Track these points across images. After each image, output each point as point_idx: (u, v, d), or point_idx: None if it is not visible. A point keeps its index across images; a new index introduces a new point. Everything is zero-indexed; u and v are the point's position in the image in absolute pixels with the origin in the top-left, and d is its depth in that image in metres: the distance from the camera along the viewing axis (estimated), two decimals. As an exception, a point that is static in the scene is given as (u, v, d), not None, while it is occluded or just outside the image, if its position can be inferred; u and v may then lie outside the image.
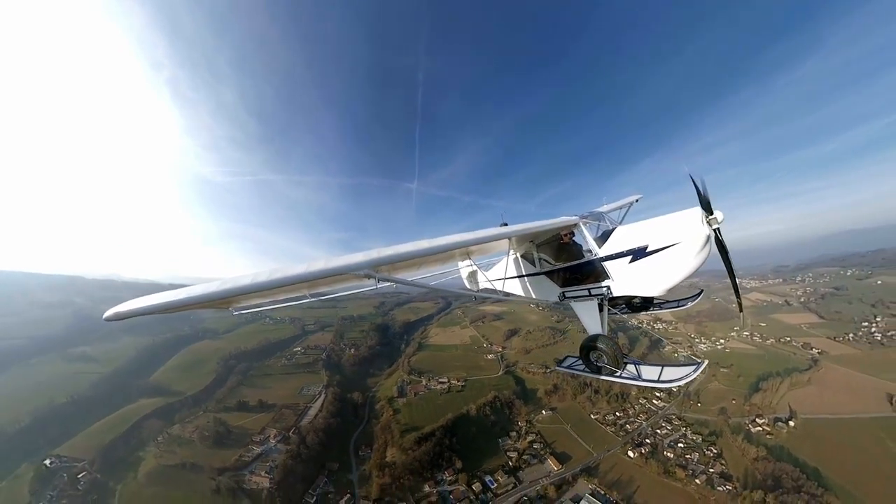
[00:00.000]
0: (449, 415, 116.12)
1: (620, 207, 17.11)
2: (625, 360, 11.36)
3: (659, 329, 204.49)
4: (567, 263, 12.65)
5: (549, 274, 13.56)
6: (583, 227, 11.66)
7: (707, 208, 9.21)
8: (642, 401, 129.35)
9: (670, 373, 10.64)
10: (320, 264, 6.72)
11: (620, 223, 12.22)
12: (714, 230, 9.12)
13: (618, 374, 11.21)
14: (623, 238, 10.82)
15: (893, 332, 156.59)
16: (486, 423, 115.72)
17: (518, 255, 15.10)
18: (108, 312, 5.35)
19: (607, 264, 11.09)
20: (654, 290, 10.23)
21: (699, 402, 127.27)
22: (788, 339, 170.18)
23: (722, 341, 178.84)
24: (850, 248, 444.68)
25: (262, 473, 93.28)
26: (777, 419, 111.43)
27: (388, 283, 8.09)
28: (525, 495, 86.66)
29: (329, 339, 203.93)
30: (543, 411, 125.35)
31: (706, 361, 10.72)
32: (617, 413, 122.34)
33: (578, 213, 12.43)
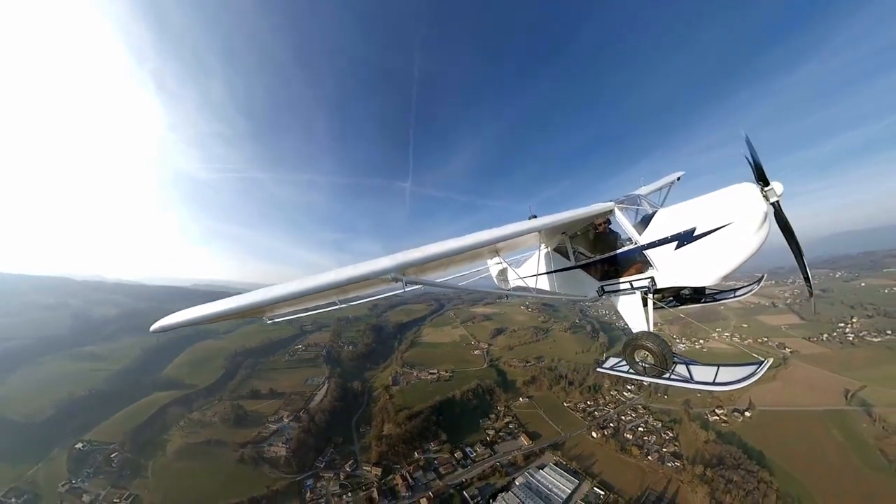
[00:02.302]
0: (437, 398, 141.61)
1: (660, 188, 16.50)
2: (674, 360, 10.78)
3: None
4: (604, 254, 12.37)
5: (585, 267, 13.32)
6: (619, 212, 11.41)
7: (763, 180, 8.89)
8: (613, 392, 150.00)
9: (727, 373, 9.85)
10: (348, 271, 7.09)
11: (661, 205, 11.95)
12: (773, 204, 8.77)
13: (666, 375, 10.64)
14: (666, 222, 10.51)
15: (865, 333, 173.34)
16: (468, 406, 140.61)
17: (550, 249, 14.97)
18: (155, 325, 6.12)
19: (650, 252, 10.77)
20: (705, 279, 9.92)
21: (665, 395, 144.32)
22: (766, 339, 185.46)
23: (701, 342, 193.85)
24: (847, 250, 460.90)
25: (279, 444, 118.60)
26: (735, 410, 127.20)
27: (417, 286, 8.37)
28: (498, 462, 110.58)
29: (327, 338, 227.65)
30: (521, 398, 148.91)
31: (770, 360, 9.66)
32: (588, 402, 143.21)
33: (613, 199, 12.06)
